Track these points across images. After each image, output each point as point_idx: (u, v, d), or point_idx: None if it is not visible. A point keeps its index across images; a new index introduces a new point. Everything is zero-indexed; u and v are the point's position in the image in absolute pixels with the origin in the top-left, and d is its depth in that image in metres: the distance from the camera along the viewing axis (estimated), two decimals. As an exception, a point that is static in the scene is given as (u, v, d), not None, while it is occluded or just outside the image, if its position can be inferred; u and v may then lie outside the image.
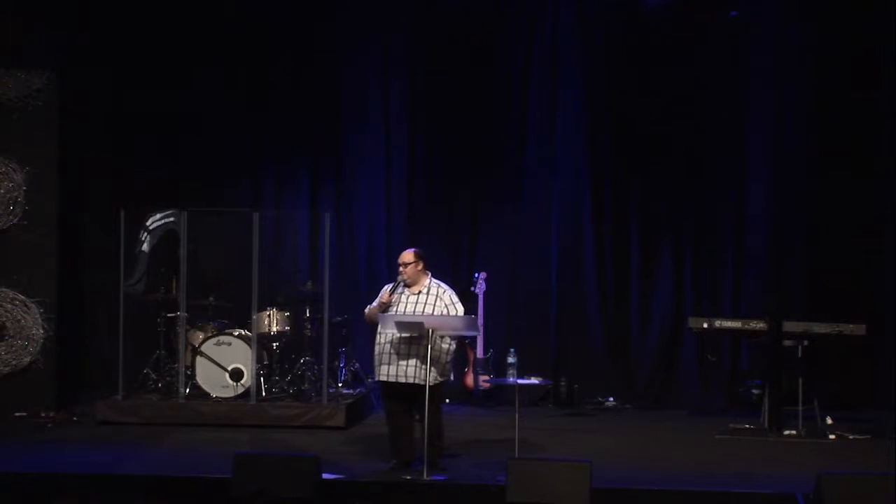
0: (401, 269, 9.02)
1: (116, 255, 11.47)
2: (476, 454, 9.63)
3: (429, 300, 8.96)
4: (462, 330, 9.31)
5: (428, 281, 9.05)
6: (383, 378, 8.95)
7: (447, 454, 9.23)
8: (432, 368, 8.77)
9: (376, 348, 9.00)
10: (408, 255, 9.02)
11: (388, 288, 9.15)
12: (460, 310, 9.02)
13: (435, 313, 8.88)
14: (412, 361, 8.80)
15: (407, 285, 9.03)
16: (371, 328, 9.28)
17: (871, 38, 12.18)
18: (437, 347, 8.81)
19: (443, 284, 9.09)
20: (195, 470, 8.79)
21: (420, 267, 9.02)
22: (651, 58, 12.51)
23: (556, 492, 7.82)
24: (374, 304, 9.13)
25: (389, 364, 8.88)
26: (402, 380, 8.84)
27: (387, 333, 8.87)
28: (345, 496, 8.27)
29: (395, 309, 8.96)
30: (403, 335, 8.78)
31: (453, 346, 9.04)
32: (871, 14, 12.08)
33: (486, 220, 12.93)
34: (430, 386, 8.69)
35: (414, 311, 8.89)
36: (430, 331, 8.61)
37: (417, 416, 8.99)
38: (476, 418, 11.59)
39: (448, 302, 8.97)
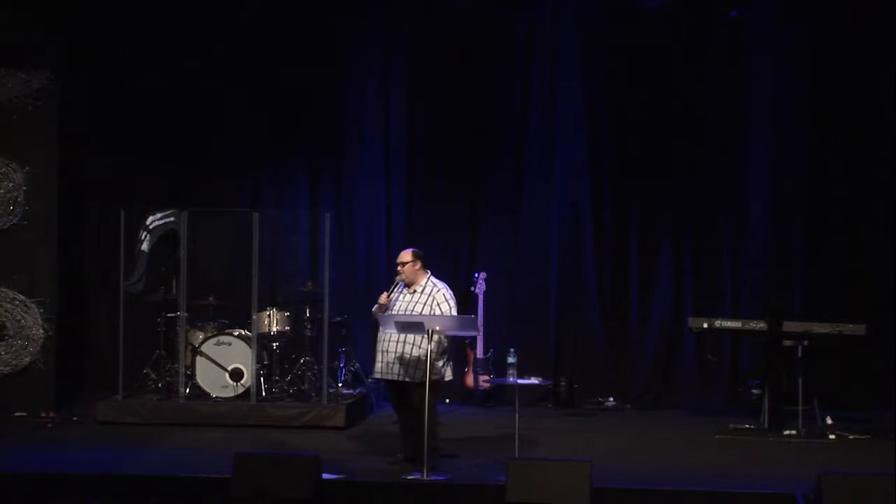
0: (399, 268, 9.16)
1: (116, 255, 11.47)
2: (476, 454, 9.62)
3: (422, 299, 9.05)
4: (461, 330, 9.34)
5: (425, 280, 9.12)
6: (375, 374, 9.25)
7: (447, 454, 9.25)
8: (416, 368, 8.90)
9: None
10: (405, 255, 9.15)
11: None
12: (447, 309, 9.02)
13: (425, 312, 8.94)
14: (393, 359, 8.96)
15: (406, 284, 9.12)
16: (375, 327, 9.32)
17: (871, 38, 12.18)
18: (421, 347, 8.86)
19: (438, 283, 9.15)
20: (195, 470, 8.78)
21: (418, 266, 9.11)
22: (651, 57, 12.51)
23: (556, 492, 7.82)
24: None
25: (378, 361, 9.10)
26: (389, 377, 9.05)
27: (383, 331, 8.99)
28: (345, 496, 8.27)
29: (393, 308, 9.06)
30: (394, 333, 8.88)
31: (444, 345, 9.02)
32: (871, 14, 12.07)
33: (486, 220, 12.93)
34: (415, 384, 8.88)
35: (408, 310, 8.98)
36: (430, 330, 8.63)
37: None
38: (476, 418, 11.58)
39: (439, 300, 9.03)
